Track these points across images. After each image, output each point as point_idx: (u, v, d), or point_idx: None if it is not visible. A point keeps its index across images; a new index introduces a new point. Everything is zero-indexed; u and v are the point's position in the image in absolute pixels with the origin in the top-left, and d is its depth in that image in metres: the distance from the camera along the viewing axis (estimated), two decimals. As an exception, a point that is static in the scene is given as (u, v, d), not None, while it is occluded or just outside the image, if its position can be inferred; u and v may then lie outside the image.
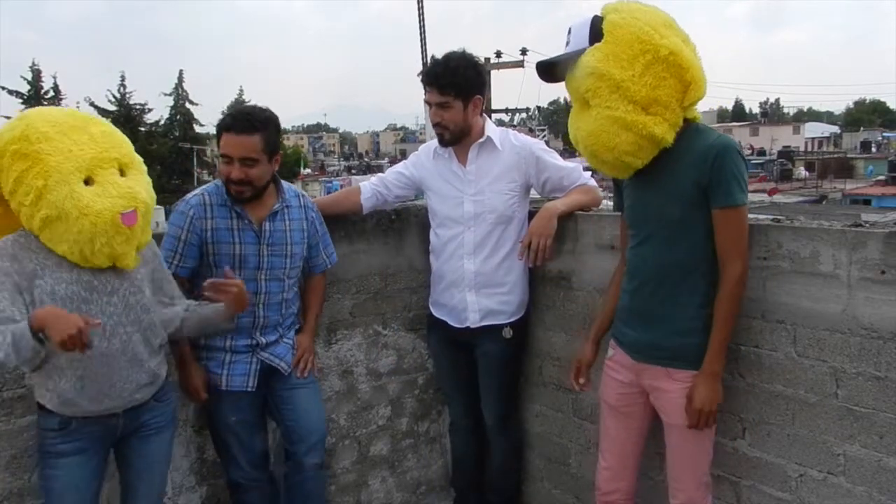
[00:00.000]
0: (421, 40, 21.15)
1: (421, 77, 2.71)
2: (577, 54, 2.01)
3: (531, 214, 2.74)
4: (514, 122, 32.25)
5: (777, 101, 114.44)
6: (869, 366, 1.93)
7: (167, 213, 2.83)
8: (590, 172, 2.84)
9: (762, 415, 2.18)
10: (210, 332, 2.40)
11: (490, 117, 2.87)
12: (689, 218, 2.02)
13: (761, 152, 48.63)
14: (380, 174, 3.01)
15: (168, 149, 36.48)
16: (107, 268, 2.02)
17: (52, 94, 37.66)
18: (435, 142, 2.78)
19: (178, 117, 40.95)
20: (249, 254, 2.45)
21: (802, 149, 53.08)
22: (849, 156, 48.16)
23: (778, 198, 24.34)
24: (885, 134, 61.86)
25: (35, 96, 36.37)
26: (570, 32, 2.07)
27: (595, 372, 2.43)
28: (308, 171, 50.15)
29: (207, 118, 44.96)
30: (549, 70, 2.11)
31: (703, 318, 2.05)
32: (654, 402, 2.20)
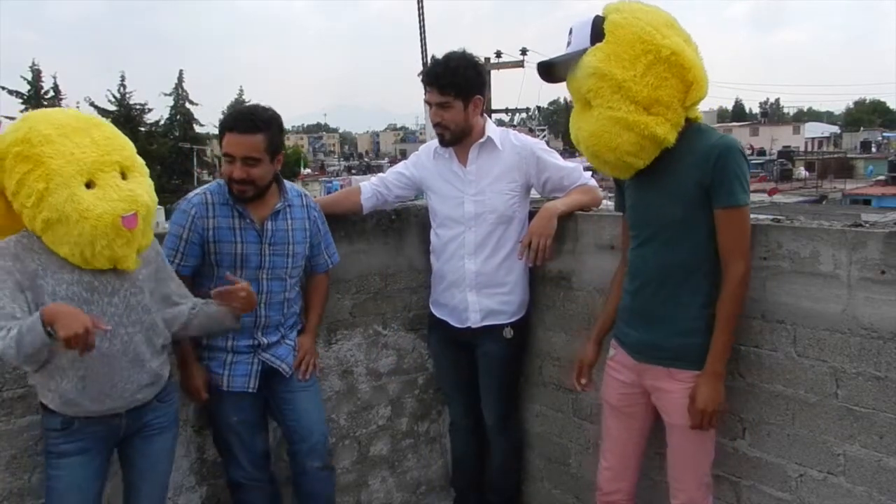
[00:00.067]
0: (421, 40, 21.17)
1: (421, 77, 2.71)
2: (579, 54, 2.01)
3: (531, 214, 2.74)
4: (514, 122, 32.30)
5: (777, 101, 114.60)
6: (869, 366, 1.93)
7: (167, 214, 2.84)
8: (590, 172, 2.84)
9: (762, 415, 2.18)
10: (216, 330, 2.41)
11: (490, 117, 2.87)
12: (691, 218, 2.02)
13: (761, 152, 48.61)
14: (380, 174, 3.01)
15: (168, 149, 36.45)
16: (108, 269, 2.03)
17: (52, 94, 37.68)
18: (435, 142, 2.78)
19: (178, 117, 40.94)
20: (251, 253, 2.45)
21: (802, 149, 53.08)
22: (849, 156, 48.16)
23: (778, 198, 24.33)
24: (885, 134, 61.87)
25: (35, 96, 36.36)
26: (571, 32, 2.07)
27: (596, 372, 2.43)
28: (308, 171, 50.19)
29: (207, 118, 45.09)
30: (551, 70, 2.10)
31: (705, 318, 2.05)
32: (655, 402, 2.20)
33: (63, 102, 36.22)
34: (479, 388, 2.90)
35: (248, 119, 2.33)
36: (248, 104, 2.49)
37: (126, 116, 34.86)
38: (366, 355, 3.07)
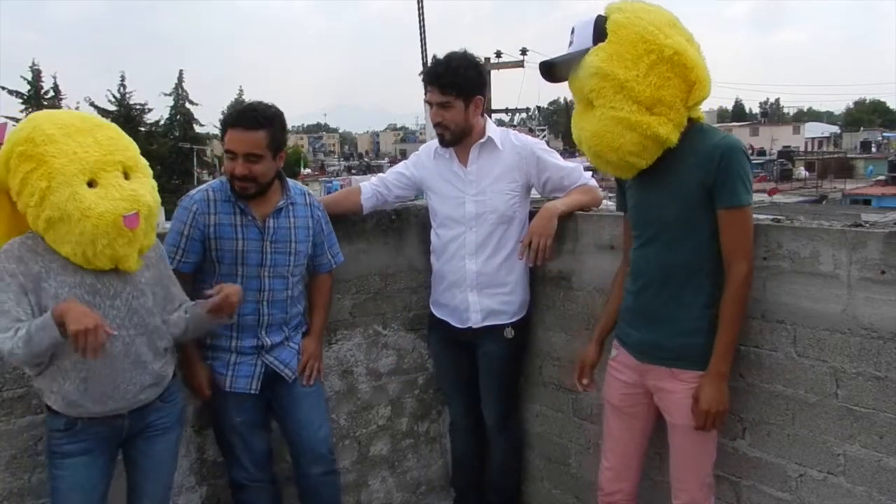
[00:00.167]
0: (421, 40, 21.15)
1: (422, 77, 2.71)
2: (581, 54, 2.00)
3: (531, 214, 2.74)
4: (514, 122, 32.33)
5: (777, 101, 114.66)
6: (869, 366, 1.93)
7: (167, 214, 2.83)
8: (591, 172, 2.84)
9: (762, 415, 2.18)
10: (211, 329, 2.40)
11: (490, 117, 2.87)
12: (693, 218, 2.02)
13: (761, 152, 48.61)
14: (380, 174, 3.01)
15: (168, 149, 36.44)
16: (110, 271, 2.03)
17: (52, 94, 37.64)
18: (435, 142, 2.78)
19: (178, 117, 40.91)
20: (252, 250, 2.45)
21: (802, 149, 53.10)
22: (849, 156, 48.18)
23: (778, 198, 24.32)
24: (885, 134, 61.87)
25: (35, 96, 36.34)
26: (573, 32, 2.06)
27: (598, 372, 2.43)
28: (308, 171, 50.16)
29: (207, 118, 45.03)
30: (553, 70, 2.10)
31: (707, 318, 2.04)
32: (658, 402, 2.19)
33: (63, 102, 36.26)
34: (479, 388, 2.90)
35: (251, 115, 2.33)
36: (252, 101, 2.48)
37: (126, 116, 34.84)
38: (366, 355, 3.07)
